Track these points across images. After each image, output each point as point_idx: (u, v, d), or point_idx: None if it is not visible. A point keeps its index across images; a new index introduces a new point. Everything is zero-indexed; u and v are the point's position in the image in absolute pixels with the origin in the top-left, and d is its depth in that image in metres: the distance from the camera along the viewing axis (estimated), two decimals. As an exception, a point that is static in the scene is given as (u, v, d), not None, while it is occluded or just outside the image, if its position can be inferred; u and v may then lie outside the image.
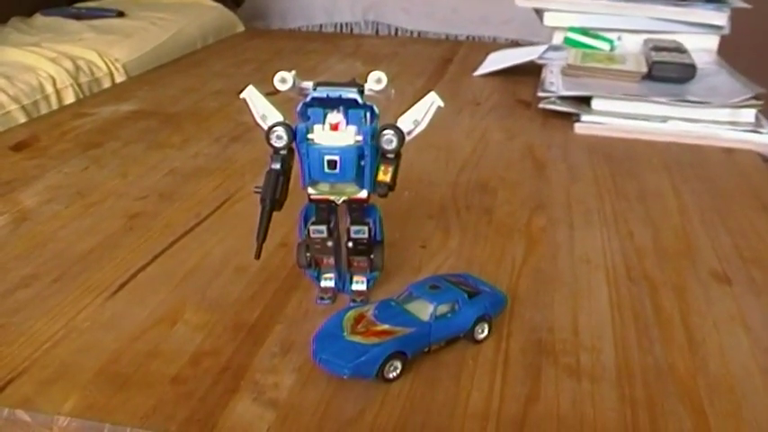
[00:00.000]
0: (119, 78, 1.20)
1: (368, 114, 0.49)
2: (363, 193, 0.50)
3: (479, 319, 0.49)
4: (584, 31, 1.25)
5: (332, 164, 0.48)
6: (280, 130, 0.48)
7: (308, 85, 0.49)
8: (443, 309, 0.48)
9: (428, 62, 1.36)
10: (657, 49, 1.12)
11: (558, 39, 1.28)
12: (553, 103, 1.00)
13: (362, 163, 0.48)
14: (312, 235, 0.52)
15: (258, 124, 0.49)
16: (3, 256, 0.60)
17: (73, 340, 0.49)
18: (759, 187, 0.80)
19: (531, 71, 1.20)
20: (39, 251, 0.61)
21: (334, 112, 0.48)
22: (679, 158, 0.88)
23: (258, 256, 0.48)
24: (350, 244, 0.52)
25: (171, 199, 0.72)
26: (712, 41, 1.24)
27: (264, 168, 0.48)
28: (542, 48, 1.23)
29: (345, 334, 0.46)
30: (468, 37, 1.82)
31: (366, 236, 0.52)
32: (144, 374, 0.46)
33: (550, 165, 0.84)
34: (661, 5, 1.22)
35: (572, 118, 0.99)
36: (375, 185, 0.49)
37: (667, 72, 1.04)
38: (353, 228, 0.52)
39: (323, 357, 0.45)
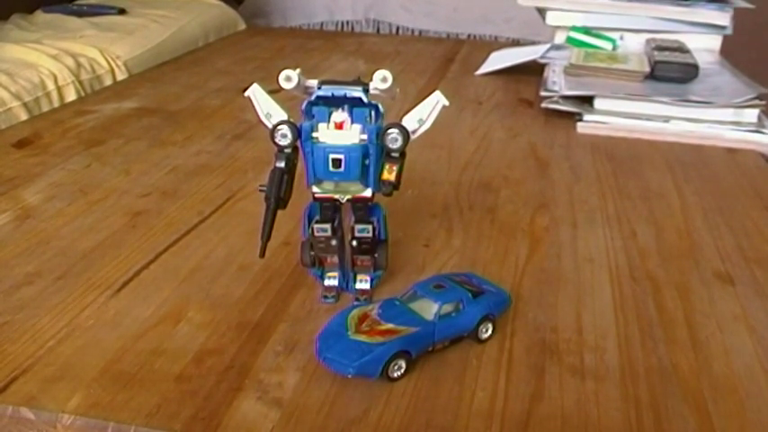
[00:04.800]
0: (120, 76, 1.19)
1: (373, 113, 0.49)
2: (368, 192, 0.50)
3: (483, 319, 0.49)
4: (586, 31, 1.25)
5: (336, 162, 0.48)
6: (284, 129, 0.48)
7: (313, 83, 0.49)
8: (448, 308, 0.48)
9: (430, 61, 1.36)
10: (660, 48, 1.12)
11: (560, 38, 1.28)
12: (555, 102, 1.00)
13: (367, 162, 0.48)
14: (316, 234, 0.52)
15: (262, 122, 0.49)
16: (6, 254, 0.60)
17: (77, 338, 0.49)
18: (762, 187, 0.80)
19: (533, 70, 1.20)
20: (42, 249, 0.61)
21: (339, 110, 0.48)
22: (682, 158, 0.88)
23: (262, 254, 0.48)
24: (354, 243, 0.52)
25: (174, 197, 0.72)
26: (715, 41, 1.24)
27: (268, 167, 0.48)
28: (544, 47, 1.23)
29: (349, 333, 0.46)
30: (469, 36, 1.82)
31: (370, 234, 0.52)
32: (148, 373, 0.46)
33: (553, 164, 0.84)
34: (664, 5, 1.22)
35: (574, 117, 0.99)
36: (380, 184, 0.49)
37: (670, 72, 1.04)
38: (358, 226, 0.52)
39: (327, 356, 0.45)
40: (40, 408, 0.42)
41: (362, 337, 0.45)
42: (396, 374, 0.45)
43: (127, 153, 0.84)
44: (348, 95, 0.48)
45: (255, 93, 0.49)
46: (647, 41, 1.21)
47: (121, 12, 1.45)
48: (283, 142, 0.48)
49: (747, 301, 0.57)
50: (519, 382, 0.46)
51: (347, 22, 1.91)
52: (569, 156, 0.87)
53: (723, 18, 1.20)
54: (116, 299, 0.54)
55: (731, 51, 1.24)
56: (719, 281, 0.59)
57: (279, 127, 0.48)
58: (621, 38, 1.26)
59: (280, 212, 0.48)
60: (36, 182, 0.75)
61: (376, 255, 0.53)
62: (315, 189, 0.50)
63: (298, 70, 0.47)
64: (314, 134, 0.48)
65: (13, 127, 0.93)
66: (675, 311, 0.55)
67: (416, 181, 0.76)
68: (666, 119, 0.96)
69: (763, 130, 0.94)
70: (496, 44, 1.57)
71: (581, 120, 0.98)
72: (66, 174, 0.77)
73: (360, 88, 0.48)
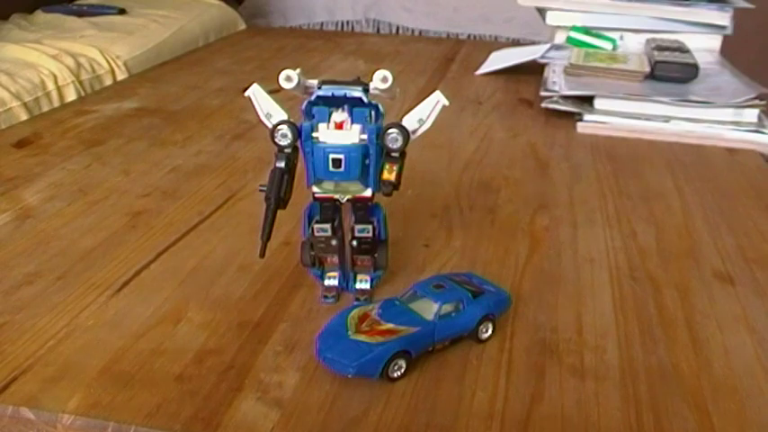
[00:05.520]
0: (120, 76, 1.19)
1: (373, 113, 0.49)
2: (368, 192, 0.50)
3: (483, 319, 0.49)
4: (586, 31, 1.25)
5: (337, 162, 0.48)
6: (285, 129, 0.48)
7: (313, 83, 0.49)
8: (448, 308, 0.48)
9: (430, 61, 1.36)
10: (660, 48, 1.12)
11: (560, 38, 1.28)
12: (555, 102, 1.00)
13: (367, 162, 0.48)
14: (316, 233, 0.52)
15: (262, 122, 0.49)
16: (6, 254, 0.60)
17: (77, 338, 0.49)
18: (762, 187, 0.80)
19: (533, 70, 1.20)
20: (42, 248, 0.61)
21: (339, 110, 0.48)
22: (682, 158, 0.88)
23: (262, 254, 0.48)
24: (354, 243, 0.52)
25: (174, 197, 0.72)
26: (715, 41, 1.24)
27: (268, 167, 0.48)
28: (545, 47, 1.23)
29: (350, 333, 0.46)
30: (469, 36, 1.82)
31: (370, 234, 0.52)
32: (148, 372, 0.46)
33: (553, 164, 0.84)
34: (664, 5, 1.22)
35: (574, 117, 0.99)
36: (380, 184, 0.49)
37: (670, 72, 1.04)
38: (358, 226, 0.52)
39: (327, 356, 0.45)
40: (40, 408, 0.42)
41: (362, 337, 0.45)
42: (396, 374, 0.45)
43: (127, 153, 0.84)
44: (348, 95, 0.48)
45: (255, 93, 0.49)
46: (647, 41, 1.21)
47: (121, 12, 1.45)
48: (283, 142, 0.48)
49: (747, 301, 0.57)
50: (519, 383, 0.46)
51: (347, 22, 1.91)
52: (569, 156, 0.87)
53: (723, 18, 1.20)
54: (116, 299, 0.54)
55: (731, 51, 1.24)
56: (719, 281, 0.59)
57: (279, 127, 0.48)
58: (621, 38, 1.26)
59: (280, 212, 0.48)
60: (36, 182, 0.75)
61: (376, 255, 0.53)
62: (315, 189, 0.50)
63: (298, 70, 0.48)
64: (314, 134, 0.48)
65: (13, 127, 0.93)
66: (675, 312, 0.55)
67: (416, 181, 0.76)
68: (666, 119, 0.96)
69: (763, 130, 0.94)
70: (496, 44, 1.57)
71: (581, 120, 0.98)
72: (67, 174, 0.77)
73: (360, 88, 0.48)
